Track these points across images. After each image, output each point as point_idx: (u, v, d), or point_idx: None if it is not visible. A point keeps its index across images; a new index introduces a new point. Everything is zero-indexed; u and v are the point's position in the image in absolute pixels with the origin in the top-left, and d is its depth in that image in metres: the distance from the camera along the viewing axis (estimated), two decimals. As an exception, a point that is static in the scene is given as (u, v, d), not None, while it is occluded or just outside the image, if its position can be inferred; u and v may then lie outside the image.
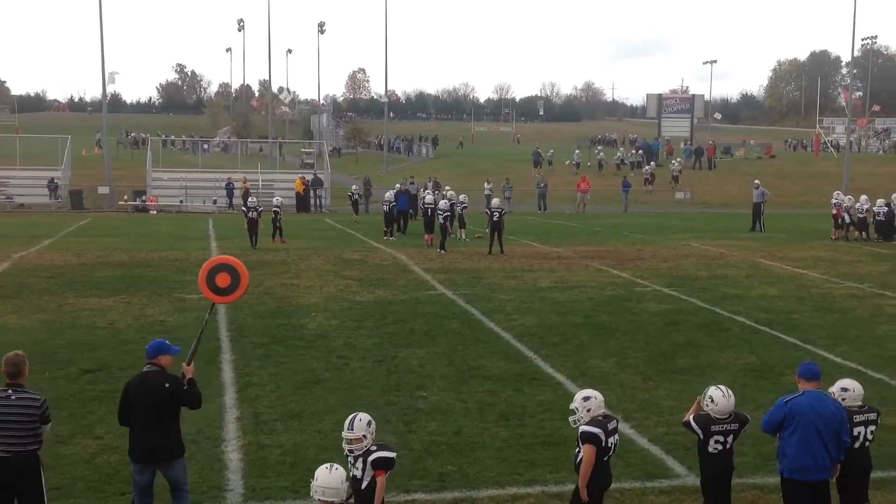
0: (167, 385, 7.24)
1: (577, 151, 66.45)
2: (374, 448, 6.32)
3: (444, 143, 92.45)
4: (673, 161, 59.47)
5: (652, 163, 60.05)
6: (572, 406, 7.01)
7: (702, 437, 7.31)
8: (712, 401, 7.26)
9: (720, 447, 7.30)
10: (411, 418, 10.71)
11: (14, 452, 6.77)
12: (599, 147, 76.88)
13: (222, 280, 8.11)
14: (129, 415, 7.30)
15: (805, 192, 54.03)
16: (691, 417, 7.40)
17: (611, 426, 6.93)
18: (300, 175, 50.66)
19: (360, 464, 6.28)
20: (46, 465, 8.84)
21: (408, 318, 16.65)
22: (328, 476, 5.85)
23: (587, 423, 6.86)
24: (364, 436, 6.32)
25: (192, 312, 16.93)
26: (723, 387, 7.35)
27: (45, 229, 32.97)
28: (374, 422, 6.46)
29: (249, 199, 28.74)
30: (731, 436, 7.33)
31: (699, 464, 7.53)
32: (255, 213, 27.51)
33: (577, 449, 6.99)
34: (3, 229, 33.34)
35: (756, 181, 37.50)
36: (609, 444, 6.88)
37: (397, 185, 37.19)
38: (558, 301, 18.52)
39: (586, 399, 6.97)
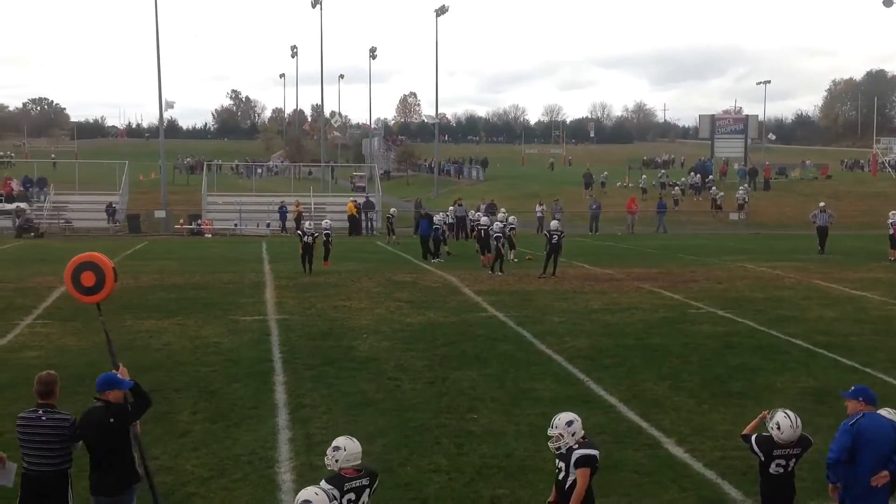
0: (111, 420, 6.95)
1: (643, 176, 64.41)
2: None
3: (494, 166, 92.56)
4: (739, 189, 57.80)
5: (714, 189, 58.87)
6: (555, 432, 6.85)
7: (762, 459, 7.17)
8: (778, 427, 7.07)
9: (781, 470, 7.16)
10: (463, 440, 10.68)
11: (43, 471, 6.86)
12: (663, 171, 74.66)
13: (87, 279, 7.65)
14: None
15: (863, 212, 53.04)
16: (753, 438, 7.25)
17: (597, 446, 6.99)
18: (352, 199, 51.10)
19: None
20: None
21: (459, 340, 16.64)
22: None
23: (583, 447, 6.80)
24: (327, 453, 6.45)
25: (247, 334, 17.12)
26: (792, 415, 7.11)
27: (103, 253, 33.50)
28: (343, 450, 6.34)
29: (305, 225, 28.61)
30: (794, 459, 7.17)
31: (759, 485, 7.38)
32: (310, 238, 27.11)
33: (560, 472, 6.87)
34: (62, 253, 34.02)
35: (821, 203, 36.89)
36: (597, 465, 6.90)
37: (443, 210, 37.38)
38: (610, 323, 18.38)
39: (570, 424, 6.83)
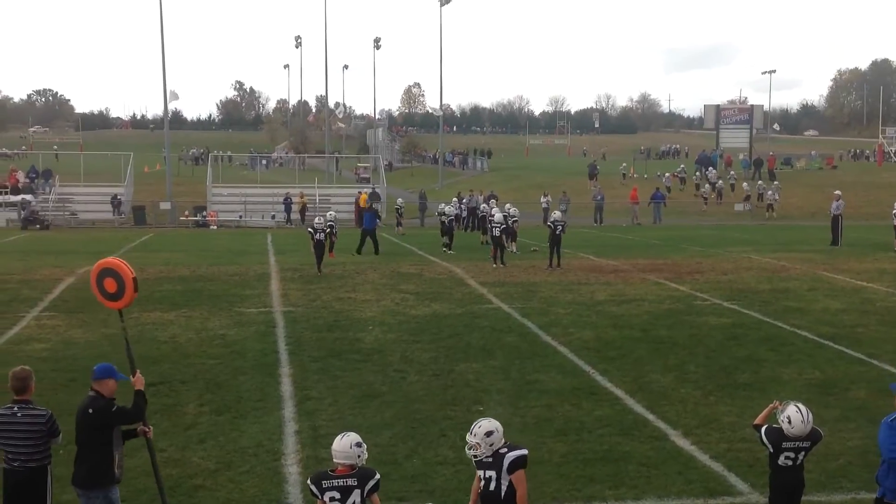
0: (90, 411, 6.94)
1: (667, 175, 62.56)
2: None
3: (499, 157, 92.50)
4: (769, 184, 55.85)
5: (720, 181, 58.23)
6: (474, 441, 6.40)
7: (771, 451, 7.16)
8: (789, 421, 7.03)
9: (790, 462, 7.14)
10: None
11: (18, 466, 6.84)
12: (682, 166, 72.12)
13: (109, 285, 7.52)
14: None
15: (868, 203, 52.86)
16: (763, 430, 7.23)
17: None
18: (364, 190, 50.81)
19: None
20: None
21: (464, 331, 16.64)
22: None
23: (512, 449, 6.40)
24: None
25: (252, 326, 17.14)
26: (803, 409, 7.04)
27: (108, 245, 33.62)
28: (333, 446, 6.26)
29: (316, 220, 27.21)
30: (803, 452, 7.15)
31: (769, 477, 7.38)
32: (321, 235, 26.01)
33: (490, 482, 6.37)
34: (68, 245, 34.11)
35: (836, 192, 36.61)
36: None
37: (445, 202, 37.20)
38: (616, 315, 18.36)
39: (489, 434, 6.39)
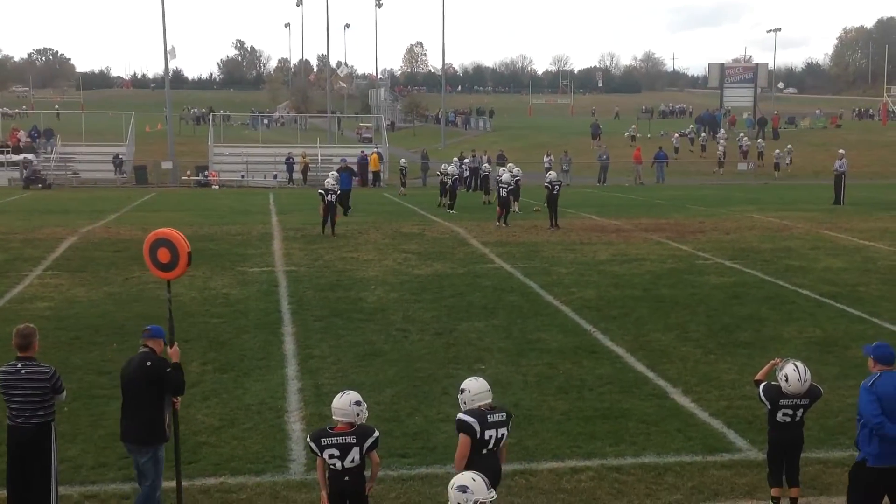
0: (148, 363, 7.11)
1: (675, 135, 61.64)
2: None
3: (502, 117, 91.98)
4: (780, 146, 54.87)
5: (723, 142, 57.59)
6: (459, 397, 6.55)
7: (769, 407, 7.22)
8: (786, 379, 7.09)
9: (788, 419, 7.20)
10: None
11: (22, 422, 6.93)
12: (692, 126, 70.12)
13: (163, 255, 7.68)
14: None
15: (872, 162, 52.65)
16: (762, 387, 7.29)
17: (492, 418, 6.36)
18: (374, 150, 50.41)
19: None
20: (115, 434, 9.10)
21: (466, 291, 16.68)
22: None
23: (463, 413, 6.39)
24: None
25: (254, 286, 17.19)
26: (801, 367, 7.10)
27: (110, 204, 33.61)
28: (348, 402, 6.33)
29: (327, 182, 25.83)
30: (801, 409, 7.20)
31: (767, 433, 7.44)
32: (332, 196, 25.07)
33: None
34: (70, 204, 34.10)
35: (840, 151, 36.34)
36: (487, 437, 6.28)
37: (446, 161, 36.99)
38: (617, 274, 18.39)
39: (461, 392, 6.48)
